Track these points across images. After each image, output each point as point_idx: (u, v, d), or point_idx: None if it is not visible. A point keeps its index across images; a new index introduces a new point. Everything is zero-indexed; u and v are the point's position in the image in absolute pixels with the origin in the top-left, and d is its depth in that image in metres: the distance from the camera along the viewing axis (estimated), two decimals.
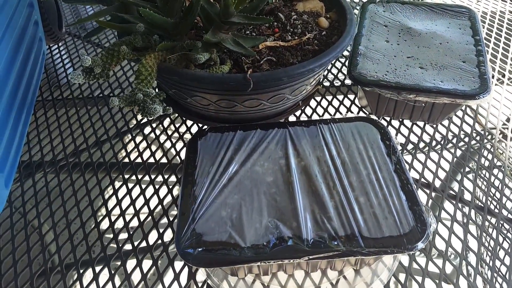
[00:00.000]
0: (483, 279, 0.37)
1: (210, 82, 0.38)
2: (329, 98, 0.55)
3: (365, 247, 0.31)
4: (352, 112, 0.52)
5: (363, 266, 0.36)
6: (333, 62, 0.61)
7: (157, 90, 0.35)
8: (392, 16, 0.56)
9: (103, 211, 0.43)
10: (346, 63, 0.60)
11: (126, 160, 0.47)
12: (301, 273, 0.36)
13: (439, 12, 0.57)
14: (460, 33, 0.53)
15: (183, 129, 0.51)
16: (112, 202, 0.43)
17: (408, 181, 0.36)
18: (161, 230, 0.40)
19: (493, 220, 0.43)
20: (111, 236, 0.40)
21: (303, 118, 0.51)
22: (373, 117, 0.43)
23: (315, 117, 0.52)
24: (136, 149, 0.49)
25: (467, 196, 0.44)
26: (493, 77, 0.56)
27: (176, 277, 0.37)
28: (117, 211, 0.42)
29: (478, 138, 0.50)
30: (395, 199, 0.34)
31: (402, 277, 0.37)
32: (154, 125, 0.53)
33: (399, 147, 0.39)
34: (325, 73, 0.60)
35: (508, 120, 0.53)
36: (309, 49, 0.44)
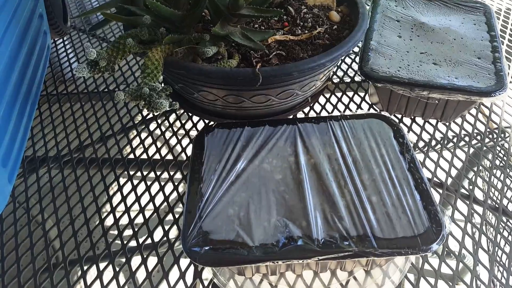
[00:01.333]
0: (497, 280, 0.36)
1: (217, 77, 0.37)
2: (339, 94, 0.54)
3: (378, 248, 0.30)
4: (362, 109, 0.51)
5: (374, 267, 0.35)
6: (343, 58, 0.59)
7: (163, 84, 0.34)
8: (405, 10, 0.54)
9: (107, 207, 0.42)
10: (356, 59, 0.59)
11: (131, 156, 0.47)
12: (310, 273, 0.36)
13: (453, 7, 0.55)
14: (475, 29, 0.51)
15: (189, 125, 0.50)
16: (116, 199, 0.43)
17: (423, 180, 0.34)
18: (166, 227, 0.40)
19: (505, 219, 0.41)
20: (116, 232, 0.40)
21: (312, 114, 0.50)
22: (385, 114, 0.42)
23: (324, 114, 0.50)
24: (141, 145, 0.48)
25: (480, 195, 0.42)
26: (508, 74, 0.55)
27: (182, 275, 0.36)
28: (121, 207, 0.42)
29: (491, 136, 0.49)
30: (409, 199, 0.33)
31: (412, 277, 0.35)
32: (159, 120, 0.52)
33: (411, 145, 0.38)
34: (335, 69, 0.58)
35: None
36: (320, 44, 0.42)
